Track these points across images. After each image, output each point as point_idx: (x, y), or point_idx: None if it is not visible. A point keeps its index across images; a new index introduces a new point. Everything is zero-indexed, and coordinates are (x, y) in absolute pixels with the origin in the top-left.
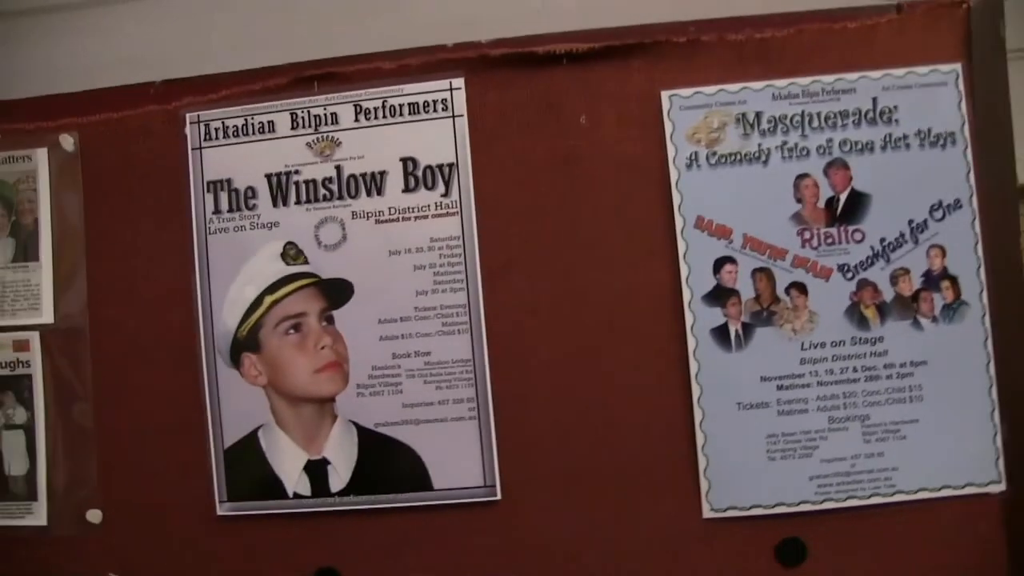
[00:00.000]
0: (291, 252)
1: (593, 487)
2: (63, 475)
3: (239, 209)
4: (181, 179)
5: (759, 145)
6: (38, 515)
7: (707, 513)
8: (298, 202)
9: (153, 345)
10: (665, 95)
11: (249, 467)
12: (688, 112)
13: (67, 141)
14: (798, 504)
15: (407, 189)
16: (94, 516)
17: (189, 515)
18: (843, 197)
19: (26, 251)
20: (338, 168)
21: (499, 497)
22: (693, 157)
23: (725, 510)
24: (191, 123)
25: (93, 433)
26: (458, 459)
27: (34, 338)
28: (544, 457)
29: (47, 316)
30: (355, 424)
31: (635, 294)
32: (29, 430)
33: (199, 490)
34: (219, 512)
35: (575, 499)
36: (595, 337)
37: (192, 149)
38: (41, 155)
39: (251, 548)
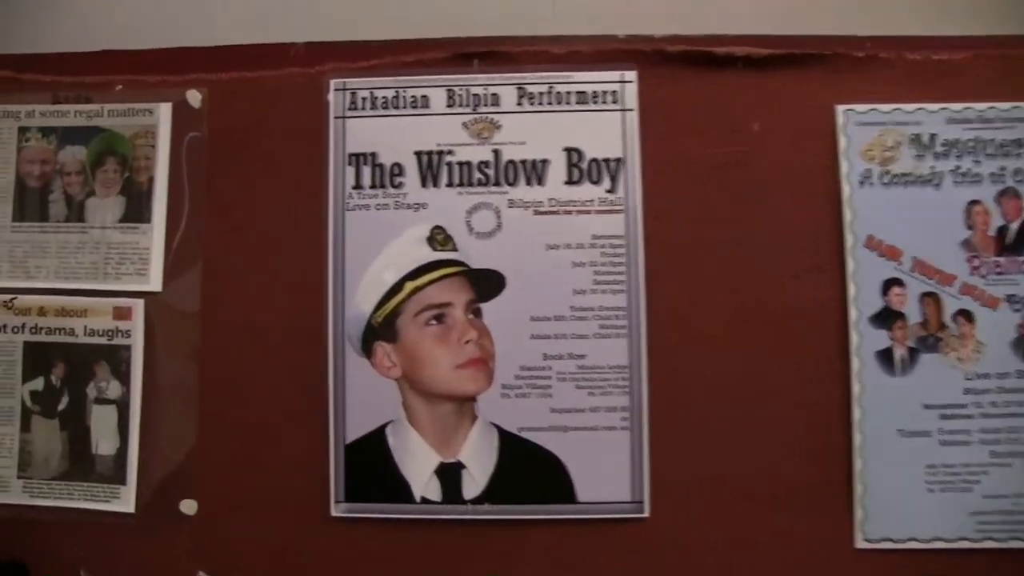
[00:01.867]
0: (439, 237)
1: (744, 508)
2: (157, 459)
3: (383, 186)
4: (319, 149)
5: (932, 168)
6: (125, 500)
7: (860, 543)
8: (450, 184)
9: (272, 326)
10: (840, 109)
11: (372, 466)
12: (863, 128)
13: (194, 97)
14: (956, 541)
15: (570, 181)
16: (188, 507)
17: (298, 513)
18: (1014, 227)
19: (137, 211)
20: (496, 152)
21: (647, 514)
22: (866, 174)
23: (879, 541)
24: (335, 90)
25: (194, 416)
26: (606, 471)
27: (137, 306)
28: (695, 474)
29: (154, 284)
30: (497, 427)
31: (799, 310)
32: (123, 406)
33: (312, 487)
34: (333, 513)
35: (724, 519)
36: (755, 351)
37: (335, 118)
38: (164, 110)
39: (367, 554)
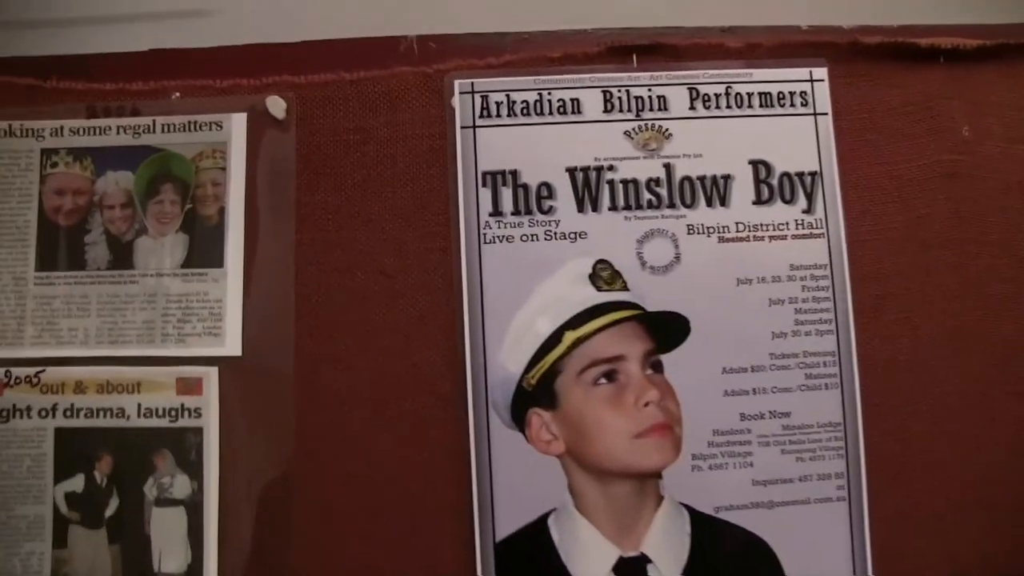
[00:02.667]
0: (604, 274)
1: None
2: (242, 574)
3: (528, 212)
4: (443, 167)
5: None
6: None
7: None
8: (613, 207)
9: (391, 393)
10: None
11: (534, 566)
12: None
13: (276, 105)
14: None
15: (759, 200)
16: None
17: None
18: None
19: (205, 253)
20: (667, 167)
21: None
22: None
23: None
24: (461, 93)
25: (290, 516)
26: (821, 552)
27: (210, 376)
28: (921, 545)
29: (231, 346)
30: (688, 508)
31: None
32: (194, 508)
33: None
34: None
35: None
36: (985, 393)
37: (462, 127)
38: (237, 123)
39: None
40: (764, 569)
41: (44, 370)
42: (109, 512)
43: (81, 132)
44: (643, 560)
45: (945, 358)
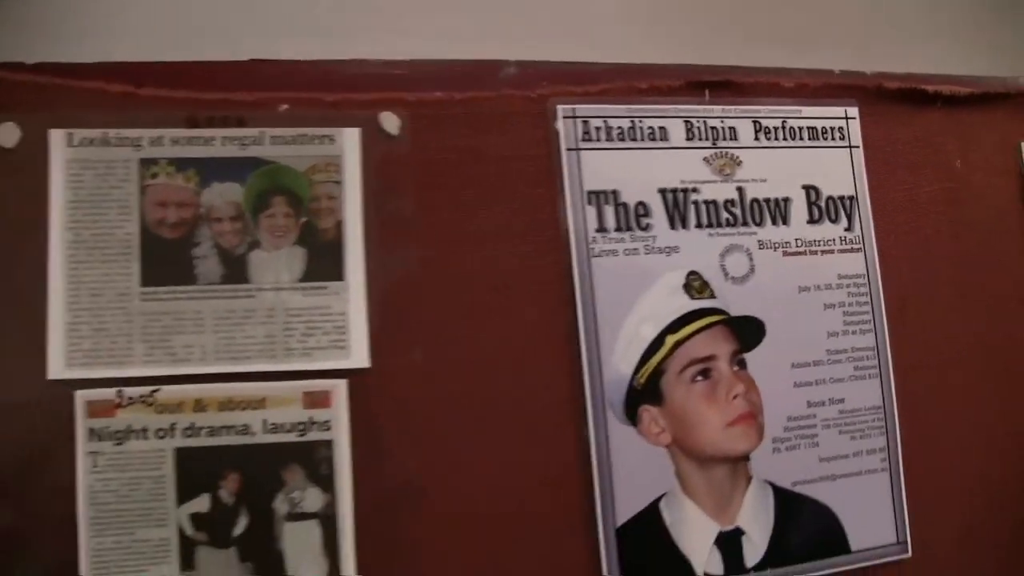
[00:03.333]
0: (696, 284)
1: (1002, 543)
2: None
3: (629, 228)
4: (550, 186)
5: None
6: None
7: None
8: (699, 225)
9: (510, 400)
10: None
11: (649, 547)
12: None
13: (390, 121)
14: None
15: (811, 220)
16: None
17: None
18: None
19: (325, 265)
20: (740, 190)
21: (909, 554)
22: None
23: None
24: (564, 117)
25: (421, 522)
26: (871, 516)
27: (338, 389)
28: (952, 510)
29: (358, 358)
30: (771, 484)
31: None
32: (328, 520)
33: None
34: None
35: (983, 557)
36: (994, 384)
37: (567, 149)
38: (349, 137)
39: None
40: (832, 533)
41: (159, 389)
42: (238, 530)
43: (182, 142)
44: (738, 533)
45: (960, 352)
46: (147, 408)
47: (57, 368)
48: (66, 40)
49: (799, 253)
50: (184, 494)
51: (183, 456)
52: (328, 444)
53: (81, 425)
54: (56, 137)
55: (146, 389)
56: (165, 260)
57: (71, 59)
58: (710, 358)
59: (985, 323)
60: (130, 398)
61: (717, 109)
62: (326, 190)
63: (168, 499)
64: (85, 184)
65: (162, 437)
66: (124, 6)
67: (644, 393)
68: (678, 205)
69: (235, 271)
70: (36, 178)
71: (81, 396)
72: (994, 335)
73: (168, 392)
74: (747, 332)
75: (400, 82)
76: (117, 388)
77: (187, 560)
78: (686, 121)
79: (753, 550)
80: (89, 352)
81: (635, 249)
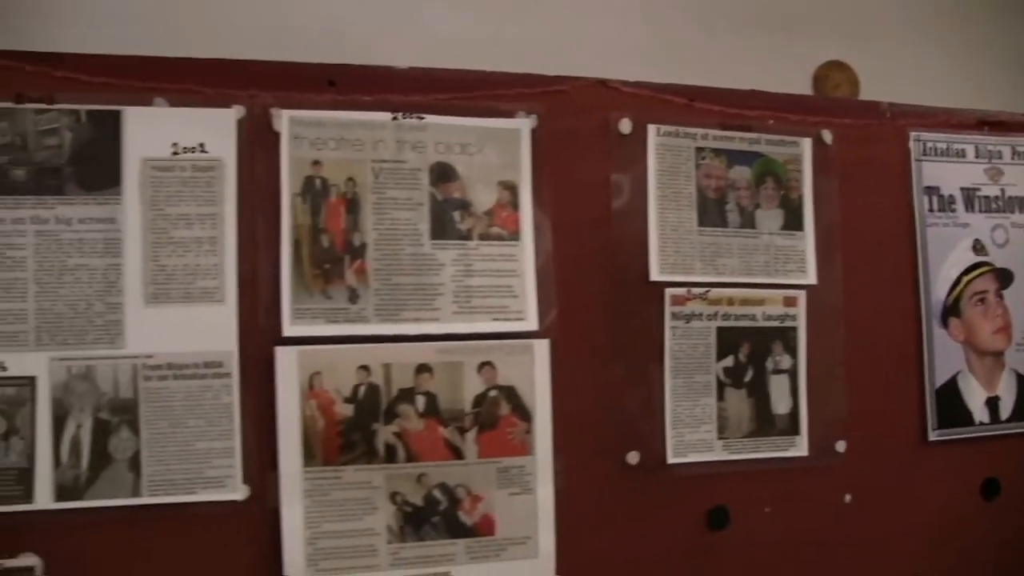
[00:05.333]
0: (978, 247)
1: None
2: (818, 413)
3: (943, 211)
4: (903, 183)
5: None
6: (799, 447)
7: None
8: (980, 211)
9: (884, 308)
10: None
11: (951, 403)
12: None
13: (827, 136)
14: None
15: None
16: (840, 446)
17: (902, 440)
18: None
19: (794, 221)
20: (1002, 190)
21: None
22: None
23: None
24: (914, 140)
25: (842, 379)
26: None
27: (801, 296)
28: None
29: (811, 277)
30: (1015, 371)
31: None
32: (793, 375)
33: (911, 421)
34: (931, 438)
35: None
36: None
37: (915, 160)
38: (806, 144)
39: (954, 467)
40: None
41: (709, 290)
42: (747, 379)
43: (718, 139)
44: (997, 398)
45: None
46: (703, 301)
47: (655, 274)
48: None
49: None
50: (720, 355)
51: (720, 332)
52: (794, 329)
53: (668, 310)
54: (651, 130)
55: (702, 289)
56: (709, 211)
57: None
58: (985, 291)
59: None
60: (693, 294)
61: (992, 139)
62: (794, 176)
63: (711, 357)
64: (666, 160)
65: (710, 319)
66: None
67: (951, 309)
68: (969, 198)
69: (747, 221)
70: (638, 157)
71: (668, 292)
72: None
73: (714, 292)
74: (1005, 277)
75: (830, 111)
76: (687, 288)
77: (720, 395)
78: (976, 146)
79: (1005, 409)
80: (672, 265)
81: (947, 224)
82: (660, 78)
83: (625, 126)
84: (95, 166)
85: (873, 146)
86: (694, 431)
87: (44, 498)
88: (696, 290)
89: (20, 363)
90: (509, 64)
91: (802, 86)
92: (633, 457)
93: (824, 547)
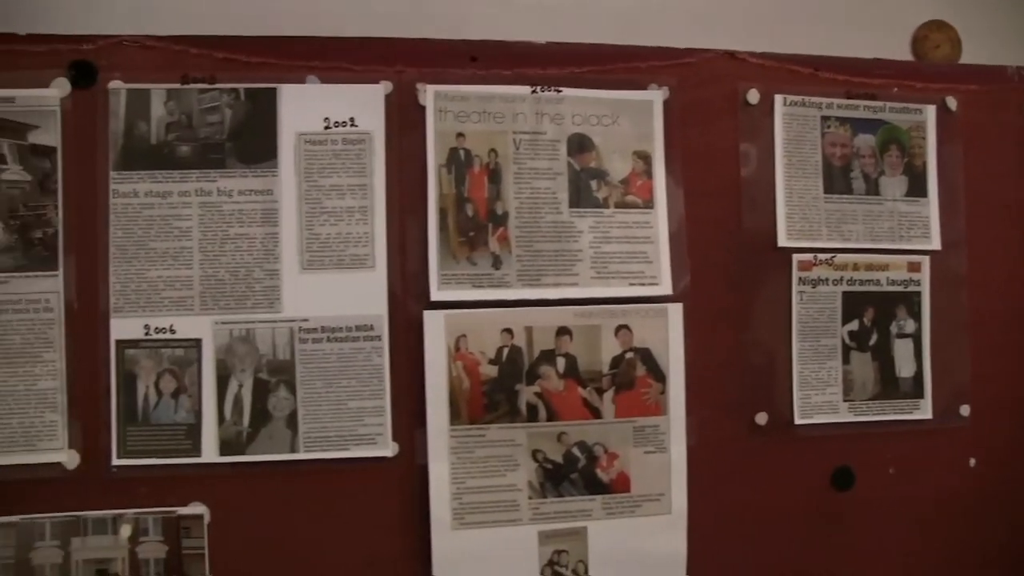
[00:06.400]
0: None
1: None
2: (943, 377)
3: None
4: None
5: None
6: (923, 410)
7: None
8: None
9: (1000, 275)
10: None
11: None
12: None
13: (952, 103)
14: None
15: None
16: (964, 410)
17: None
18: None
19: (918, 188)
20: None
21: None
22: None
23: None
24: None
25: (967, 342)
26: None
27: (925, 262)
28: None
29: (935, 245)
30: None
31: None
32: (917, 339)
33: None
34: None
35: None
36: None
37: None
38: (930, 111)
39: None
40: None
41: (835, 256)
42: (872, 342)
43: (843, 107)
44: None
45: None
46: (828, 267)
47: (782, 240)
48: None
49: None
50: (845, 319)
51: (845, 296)
52: (918, 294)
53: (794, 275)
54: (778, 99)
55: (828, 255)
56: (835, 179)
57: None
58: None
59: None
60: (819, 260)
61: None
62: (917, 142)
63: (836, 321)
64: (793, 129)
65: (835, 284)
66: None
67: None
68: None
69: (872, 188)
70: (766, 127)
71: (795, 257)
72: None
73: (840, 258)
74: None
75: (955, 77)
76: (813, 254)
77: (846, 358)
78: None
79: None
80: (798, 231)
81: None
82: (753, 44)
83: (753, 96)
84: (253, 141)
85: (1000, 112)
86: (820, 393)
87: (210, 452)
88: (822, 256)
89: (187, 326)
90: (640, 37)
91: (900, 48)
92: (761, 418)
93: (947, 510)
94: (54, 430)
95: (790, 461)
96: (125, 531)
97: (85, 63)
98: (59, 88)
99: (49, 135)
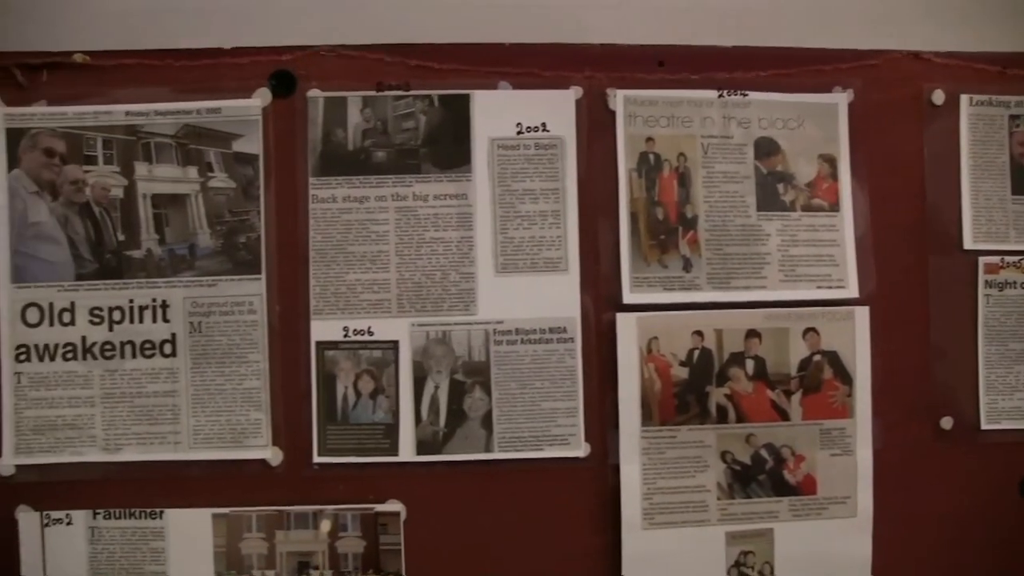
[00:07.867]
0: None
1: None
2: None
3: None
4: None
5: None
6: None
7: None
8: None
9: None
10: None
11: None
12: None
13: None
14: None
15: None
16: None
17: None
18: None
19: None
20: None
21: None
22: None
23: None
24: None
25: None
26: None
27: None
28: None
29: None
30: None
31: None
32: None
33: None
34: None
35: None
36: None
37: None
38: None
39: None
40: None
41: (1023, 259)
42: None
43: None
44: None
45: None
46: (1016, 270)
47: (968, 242)
48: None
49: None
50: None
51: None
52: None
53: (981, 278)
54: (964, 100)
55: (1016, 258)
56: (1023, 180)
57: None
58: None
59: None
60: (1007, 262)
61: None
62: None
63: None
64: (979, 130)
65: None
66: None
67: None
68: None
69: None
70: (951, 127)
71: (981, 260)
72: None
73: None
74: None
75: None
76: (1000, 256)
77: None
78: None
79: None
80: (985, 234)
81: None
82: (937, 44)
83: (938, 97)
84: (447, 146)
85: None
86: (1008, 398)
87: (407, 451)
88: (1009, 258)
89: (385, 328)
90: (823, 39)
91: None
92: (947, 422)
93: None
94: (259, 428)
95: (976, 466)
96: (325, 526)
97: (285, 73)
98: (261, 98)
99: (252, 143)
